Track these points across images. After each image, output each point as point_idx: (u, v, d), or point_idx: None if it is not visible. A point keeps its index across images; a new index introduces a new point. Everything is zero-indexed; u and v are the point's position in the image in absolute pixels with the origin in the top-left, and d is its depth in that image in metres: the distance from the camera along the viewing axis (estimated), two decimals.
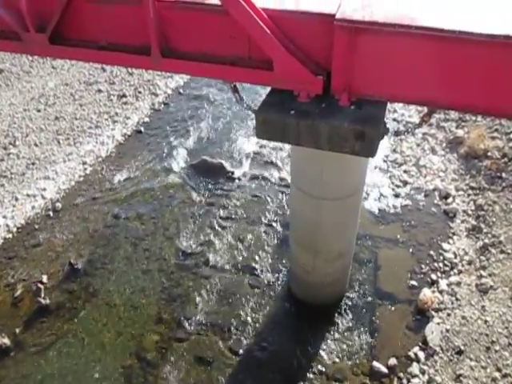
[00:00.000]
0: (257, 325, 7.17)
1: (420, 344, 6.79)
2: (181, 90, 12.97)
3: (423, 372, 6.48)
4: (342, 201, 5.42)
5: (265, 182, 9.87)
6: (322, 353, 6.84)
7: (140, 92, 12.37)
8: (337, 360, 6.75)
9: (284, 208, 9.20)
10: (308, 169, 5.25)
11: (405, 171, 9.71)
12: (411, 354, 6.73)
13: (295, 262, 6.85)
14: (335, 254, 6.36)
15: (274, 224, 8.88)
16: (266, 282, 7.76)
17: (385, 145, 10.33)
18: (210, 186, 9.80)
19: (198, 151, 10.79)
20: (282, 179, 9.95)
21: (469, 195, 8.76)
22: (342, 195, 5.40)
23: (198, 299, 7.58)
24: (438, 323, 6.91)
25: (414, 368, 6.57)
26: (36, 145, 10.31)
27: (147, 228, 8.85)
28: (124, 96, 12.17)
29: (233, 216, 9.13)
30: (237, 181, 9.89)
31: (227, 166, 10.19)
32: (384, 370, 6.59)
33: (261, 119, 3.91)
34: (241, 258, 8.21)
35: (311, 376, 6.56)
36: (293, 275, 7.27)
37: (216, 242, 8.57)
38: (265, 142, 10.39)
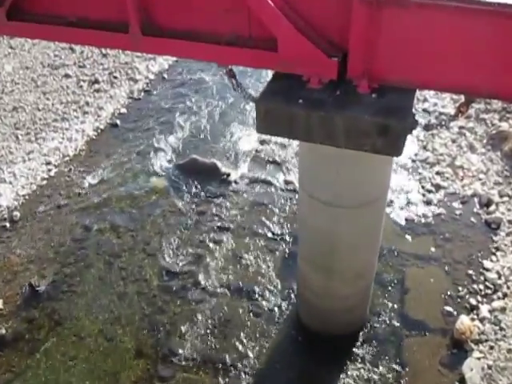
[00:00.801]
0: (258, 360, 7.18)
1: None
2: (165, 75, 13.08)
3: None
4: (361, 209, 5.45)
5: (267, 186, 9.92)
6: None
7: (116, 77, 12.42)
8: None
9: (291, 218, 9.23)
10: (320, 170, 5.27)
11: (437, 173, 9.76)
12: None
13: (305, 283, 6.90)
14: (353, 274, 6.39)
15: (279, 238, 8.90)
16: (268, 307, 7.79)
17: (413, 141, 10.42)
18: (200, 192, 9.83)
19: (187, 149, 10.82)
20: (288, 183, 9.99)
21: None
22: (362, 202, 5.42)
23: (185, 329, 7.59)
24: (479, 358, 6.93)
25: None
26: None
27: (124, 242, 8.86)
28: (96, 82, 12.22)
29: (228, 228, 9.13)
30: (233, 185, 9.92)
31: (221, 166, 10.19)
32: None
33: (262, 110, 3.94)
34: (238, 279, 8.27)
35: None
36: (302, 300, 7.31)
37: (208, 259, 8.58)
38: (267, 137, 10.38)
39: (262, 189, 9.95)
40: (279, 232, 9.01)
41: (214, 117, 11.79)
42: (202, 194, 9.90)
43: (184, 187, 10.01)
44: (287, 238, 8.92)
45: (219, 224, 9.23)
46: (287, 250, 8.66)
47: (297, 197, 8.82)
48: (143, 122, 11.63)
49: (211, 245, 8.85)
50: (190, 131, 11.41)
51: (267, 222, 9.25)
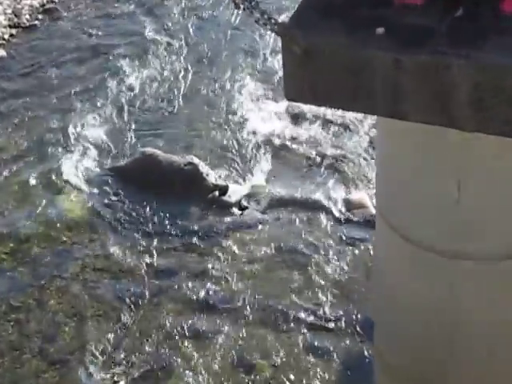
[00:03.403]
0: None
1: None
2: None
3: None
4: (508, 263, 4.25)
5: (306, 215, 7.68)
6: None
7: None
8: None
9: (352, 283, 7.24)
10: (424, 185, 4.10)
11: None
12: None
13: None
14: None
15: (334, 327, 6.93)
16: None
17: None
18: (163, 229, 7.67)
19: (135, 134, 8.60)
20: (352, 207, 7.76)
21: None
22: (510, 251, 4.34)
23: None
24: None
25: None
26: None
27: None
28: None
29: (224, 310, 6.97)
30: (235, 213, 7.69)
31: (209, 171, 7.93)
32: None
33: (298, 50, 3.02)
34: None
35: None
36: None
37: (179, 372, 6.76)
38: (306, 108, 8.47)
39: (294, 222, 7.67)
40: (333, 315, 6.87)
41: (192, 65, 9.61)
42: (168, 233, 7.60)
43: (127, 217, 7.72)
44: (351, 327, 6.86)
45: (202, 300, 7.03)
46: (348, 352, 6.83)
47: (372, 236, 6.88)
48: (39, 76, 9.53)
49: (184, 346, 6.79)
50: (143, 94, 9.15)
51: (307, 296, 7.10)
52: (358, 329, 6.69)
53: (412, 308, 4.65)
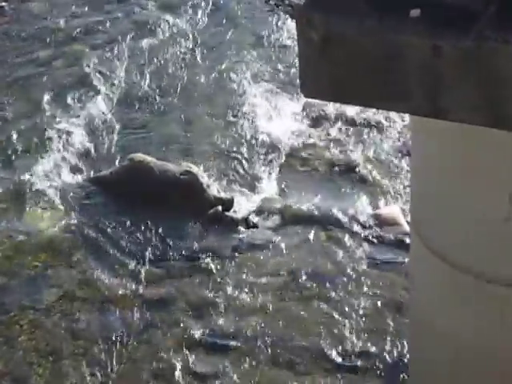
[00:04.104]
0: None
1: None
2: None
3: None
4: None
5: (326, 234, 7.04)
6: None
7: None
8: None
9: (381, 317, 6.54)
10: (468, 198, 4.03)
11: None
12: None
13: None
14: None
15: (355, 367, 6.25)
16: None
17: None
18: (155, 248, 6.97)
19: (121, 136, 8.03)
20: (379, 222, 7.17)
21: None
22: None
23: None
24: None
25: None
26: None
27: None
28: None
29: (225, 346, 6.26)
30: (241, 231, 7.05)
31: (211, 183, 7.33)
32: None
33: (317, 37, 2.95)
34: None
35: None
36: None
37: None
38: (323, 107, 7.99)
39: (312, 243, 7.00)
40: (359, 355, 6.18)
41: (186, 53, 9.06)
42: (161, 256, 6.91)
43: (112, 237, 7.05)
44: (379, 370, 6.18)
45: (204, 339, 6.24)
46: None
47: (403, 258, 6.69)
48: (5, 67, 8.99)
49: None
50: (131, 88, 8.60)
51: (327, 332, 6.42)
52: (387, 373, 6.06)
53: (453, 340, 4.36)
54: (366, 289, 6.49)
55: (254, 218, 7.04)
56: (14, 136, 8.08)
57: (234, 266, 6.68)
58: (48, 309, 6.29)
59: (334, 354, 5.99)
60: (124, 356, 6.03)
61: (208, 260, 6.68)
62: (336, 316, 6.25)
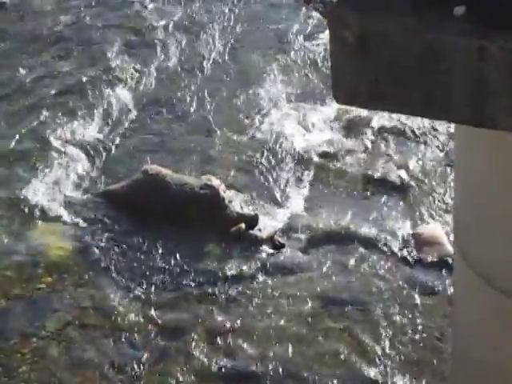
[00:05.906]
0: None
1: None
2: None
3: None
4: None
5: (358, 255, 6.68)
6: None
7: None
8: None
9: (422, 347, 6.29)
10: None
11: None
12: None
13: None
14: None
15: None
16: None
17: None
18: (171, 270, 6.70)
19: (134, 146, 7.77)
20: (419, 242, 6.88)
21: None
22: None
23: None
24: None
25: None
26: None
27: None
28: None
29: (246, 379, 6.03)
30: (266, 253, 6.70)
31: (233, 198, 7.10)
32: None
33: (351, 34, 2.90)
34: None
35: None
36: None
37: None
38: (357, 114, 7.77)
39: (345, 265, 6.71)
40: None
41: (204, 54, 8.81)
42: (178, 279, 6.54)
43: (123, 258, 6.72)
44: None
45: (223, 372, 5.98)
46: None
47: (446, 281, 6.45)
48: (4, 69, 8.74)
49: None
50: (144, 93, 8.38)
51: (360, 366, 6.08)
52: None
53: (497, 371, 4.12)
54: (404, 314, 6.18)
55: (281, 237, 6.74)
56: (13, 146, 7.90)
57: (257, 290, 6.38)
58: (52, 337, 6.07)
59: None
60: None
61: (228, 283, 6.40)
62: (371, 347, 5.96)
